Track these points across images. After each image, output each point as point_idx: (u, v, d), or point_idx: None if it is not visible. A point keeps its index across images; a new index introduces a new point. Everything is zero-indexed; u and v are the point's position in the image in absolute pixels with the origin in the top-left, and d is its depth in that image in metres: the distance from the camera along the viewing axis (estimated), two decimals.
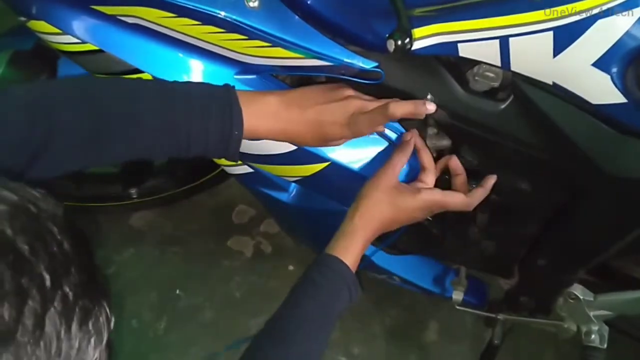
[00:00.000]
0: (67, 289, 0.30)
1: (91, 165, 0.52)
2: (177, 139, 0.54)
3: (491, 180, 0.66)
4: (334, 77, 0.62)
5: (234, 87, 0.57)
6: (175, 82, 0.56)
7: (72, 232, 0.33)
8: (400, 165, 0.62)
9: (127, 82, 0.55)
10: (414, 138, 0.64)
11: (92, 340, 0.31)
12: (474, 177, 0.75)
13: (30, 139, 0.47)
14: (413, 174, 0.66)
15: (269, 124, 0.58)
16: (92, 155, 0.52)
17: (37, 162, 0.48)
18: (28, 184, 0.33)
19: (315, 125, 0.59)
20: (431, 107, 0.59)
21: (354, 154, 0.67)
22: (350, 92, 0.61)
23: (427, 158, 0.65)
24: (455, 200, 0.63)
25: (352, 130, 0.60)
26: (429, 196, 0.62)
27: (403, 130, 0.67)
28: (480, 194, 0.64)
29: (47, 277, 0.29)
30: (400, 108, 0.58)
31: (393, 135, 0.67)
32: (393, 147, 0.66)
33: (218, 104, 0.55)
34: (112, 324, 0.34)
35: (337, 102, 0.60)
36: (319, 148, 0.66)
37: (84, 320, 0.31)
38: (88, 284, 0.32)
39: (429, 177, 0.64)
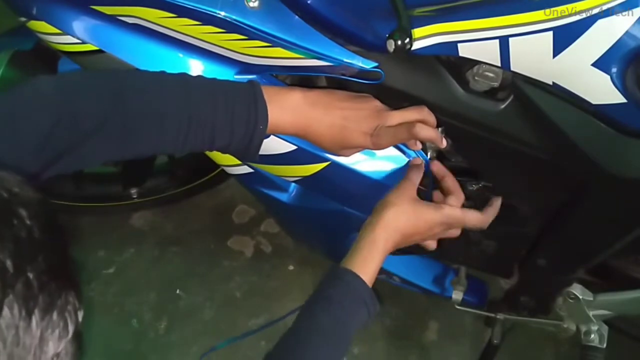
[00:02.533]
0: (31, 276, 0.29)
1: (113, 160, 0.53)
2: (202, 133, 0.53)
3: (498, 200, 0.68)
4: (334, 77, 0.63)
5: (258, 82, 0.57)
6: (199, 76, 0.56)
7: (47, 220, 0.32)
8: (417, 180, 0.63)
9: (152, 77, 0.54)
10: (447, 179, 0.65)
11: (57, 331, 0.30)
12: (474, 177, 0.75)
13: (56, 139, 0.47)
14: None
15: (292, 120, 0.57)
16: (117, 151, 0.51)
17: (60, 161, 0.47)
18: (5, 169, 0.32)
19: (338, 128, 0.59)
20: (444, 144, 0.61)
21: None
22: (377, 103, 0.61)
23: (452, 183, 0.65)
24: (474, 217, 0.64)
25: (373, 142, 0.60)
26: (451, 211, 0.62)
27: None
28: (492, 212, 0.66)
29: (9, 261, 0.28)
30: (426, 132, 0.59)
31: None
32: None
33: (243, 98, 0.54)
34: (80, 316, 0.32)
35: (365, 110, 0.60)
36: (319, 148, 0.66)
37: (48, 309, 0.30)
38: (56, 272, 0.31)
39: (456, 201, 0.64)
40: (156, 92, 0.52)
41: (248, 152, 0.56)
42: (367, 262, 0.57)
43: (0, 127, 0.45)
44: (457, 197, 0.64)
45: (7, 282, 0.28)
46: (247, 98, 0.55)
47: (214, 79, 0.56)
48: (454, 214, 0.62)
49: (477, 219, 0.64)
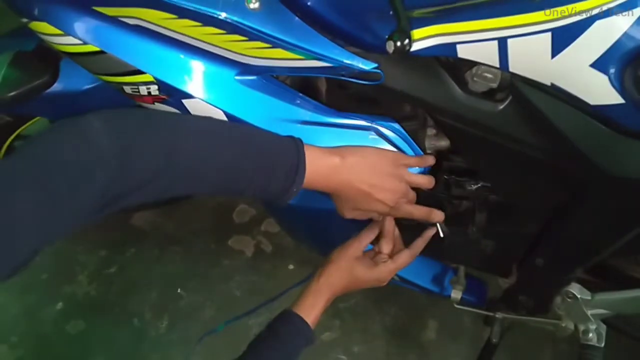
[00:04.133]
0: None
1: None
2: (237, 185, 0.55)
3: (431, 231, 0.74)
4: (334, 78, 0.63)
5: (302, 141, 0.58)
6: (251, 128, 0.58)
7: None
8: (367, 241, 0.72)
9: (204, 131, 0.53)
10: (386, 223, 0.72)
11: None
12: (473, 177, 0.76)
13: (110, 193, 0.45)
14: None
15: (324, 184, 0.60)
16: (155, 199, 0.50)
17: (107, 208, 0.47)
18: None
19: (364, 195, 0.62)
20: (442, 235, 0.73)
21: None
22: (406, 173, 0.65)
23: (389, 226, 0.73)
24: (404, 261, 0.72)
25: (392, 213, 0.67)
26: (384, 268, 0.71)
27: (403, 131, 0.68)
28: (419, 244, 0.74)
29: None
30: (439, 216, 0.70)
31: (389, 134, 0.67)
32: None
33: (287, 164, 0.56)
34: None
35: (394, 181, 0.64)
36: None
37: None
38: None
39: (386, 246, 0.73)
40: (204, 154, 0.52)
41: (275, 203, 0.58)
42: (313, 308, 0.68)
43: (53, 177, 0.42)
44: (389, 240, 0.73)
45: None
46: (290, 165, 0.56)
47: (264, 133, 0.58)
48: (386, 269, 0.71)
49: (406, 261, 0.72)
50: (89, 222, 0.45)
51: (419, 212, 0.67)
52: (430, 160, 0.68)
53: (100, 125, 0.46)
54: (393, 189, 0.63)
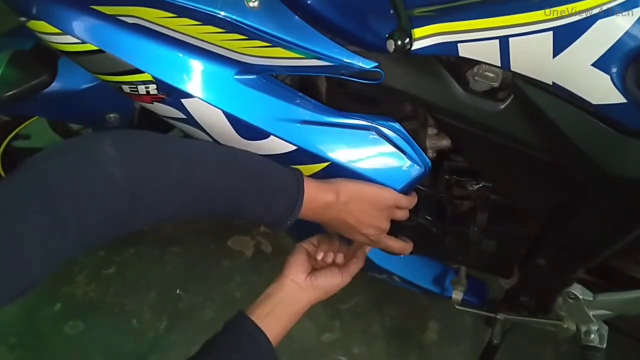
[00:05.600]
0: None
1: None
2: (238, 213, 0.56)
3: (364, 249, 0.72)
4: (334, 77, 0.63)
5: (302, 176, 0.60)
6: (256, 158, 0.58)
7: None
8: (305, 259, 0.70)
9: (219, 155, 0.55)
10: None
11: None
12: (474, 177, 0.75)
13: (119, 221, 0.46)
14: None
15: (317, 217, 0.63)
16: (164, 221, 0.51)
17: (115, 233, 0.47)
18: None
19: (350, 228, 0.65)
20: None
21: (354, 154, 0.67)
22: (393, 212, 0.68)
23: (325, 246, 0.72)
24: (335, 283, 0.69)
25: (371, 244, 0.70)
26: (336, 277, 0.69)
27: (403, 131, 0.67)
28: (354, 267, 0.70)
29: None
30: (409, 251, 0.72)
31: (390, 133, 0.67)
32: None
33: (287, 198, 0.58)
34: None
35: (381, 220, 0.66)
36: (319, 147, 0.66)
37: None
38: None
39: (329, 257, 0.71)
40: (213, 184, 0.53)
41: (267, 228, 0.60)
42: (276, 325, 0.63)
43: (63, 203, 0.42)
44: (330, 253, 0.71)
45: None
46: (289, 195, 0.58)
47: (266, 162, 0.58)
48: (336, 278, 0.69)
49: (339, 285, 0.69)
50: (96, 246, 0.46)
51: (396, 245, 0.71)
52: (416, 200, 0.71)
53: (114, 154, 0.45)
54: (378, 226, 0.67)
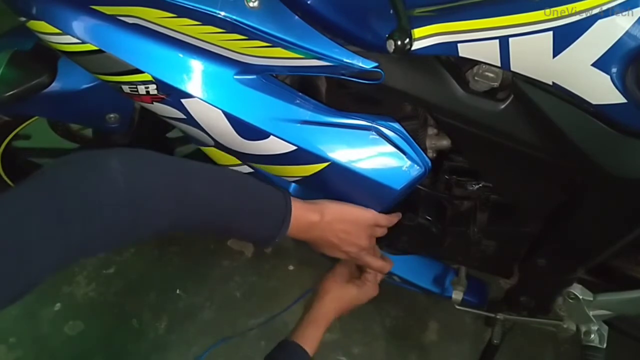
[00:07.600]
0: None
1: None
2: (229, 229, 0.60)
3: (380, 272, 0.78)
4: (334, 77, 0.63)
5: (290, 196, 0.63)
6: (248, 179, 0.61)
7: None
8: (353, 264, 0.78)
9: (214, 174, 0.58)
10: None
11: None
12: (474, 177, 0.75)
13: (119, 232, 0.48)
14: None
15: (302, 236, 0.66)
16: (160, 234, 0.53)
17: (115, 246, 0.49)
18: None
19: (332, 246, 0.69)
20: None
21: (353, 154, 0.67)
22: (375, 231, 0.72)
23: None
24: (387, 269, 0.77)
25: (352, 260, 0.74)
26: (373, 283, 0.78)
27: (403, 131, 0.67)
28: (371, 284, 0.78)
29: None
30: (388, 269, 0.77)
31: (390, 134, 0.67)
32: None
33: (275, 217, 0.61)
34: None
35: (362, 239, 0.70)
36: (319, 148, 0.66)
37: None
38: None
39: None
40: (209, 200, 0.56)
41: (255, 245, 0.62)
42: (312, 340, 0.70)
43: (69, 209, 0.44)
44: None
45: None
46: (278, 215, 0.61)
47: (257, 182, 0.61)
48: (374, 284, 0.79)
49: (370, 294, 0.79)
50: (94, 255, 0.49)
51: (375, 264, 0.75)
52: (397, 219, 0.75)
53: (119, 166, 0.49)
54: (359, 245, 0.70)
